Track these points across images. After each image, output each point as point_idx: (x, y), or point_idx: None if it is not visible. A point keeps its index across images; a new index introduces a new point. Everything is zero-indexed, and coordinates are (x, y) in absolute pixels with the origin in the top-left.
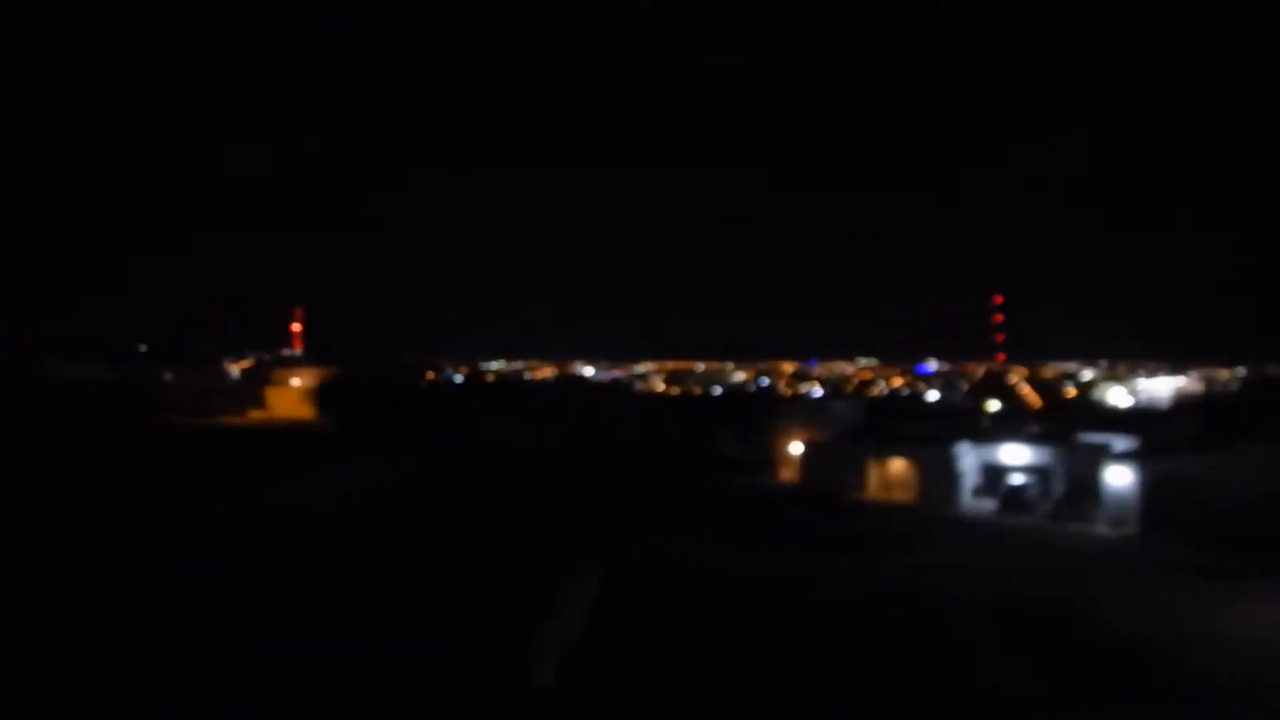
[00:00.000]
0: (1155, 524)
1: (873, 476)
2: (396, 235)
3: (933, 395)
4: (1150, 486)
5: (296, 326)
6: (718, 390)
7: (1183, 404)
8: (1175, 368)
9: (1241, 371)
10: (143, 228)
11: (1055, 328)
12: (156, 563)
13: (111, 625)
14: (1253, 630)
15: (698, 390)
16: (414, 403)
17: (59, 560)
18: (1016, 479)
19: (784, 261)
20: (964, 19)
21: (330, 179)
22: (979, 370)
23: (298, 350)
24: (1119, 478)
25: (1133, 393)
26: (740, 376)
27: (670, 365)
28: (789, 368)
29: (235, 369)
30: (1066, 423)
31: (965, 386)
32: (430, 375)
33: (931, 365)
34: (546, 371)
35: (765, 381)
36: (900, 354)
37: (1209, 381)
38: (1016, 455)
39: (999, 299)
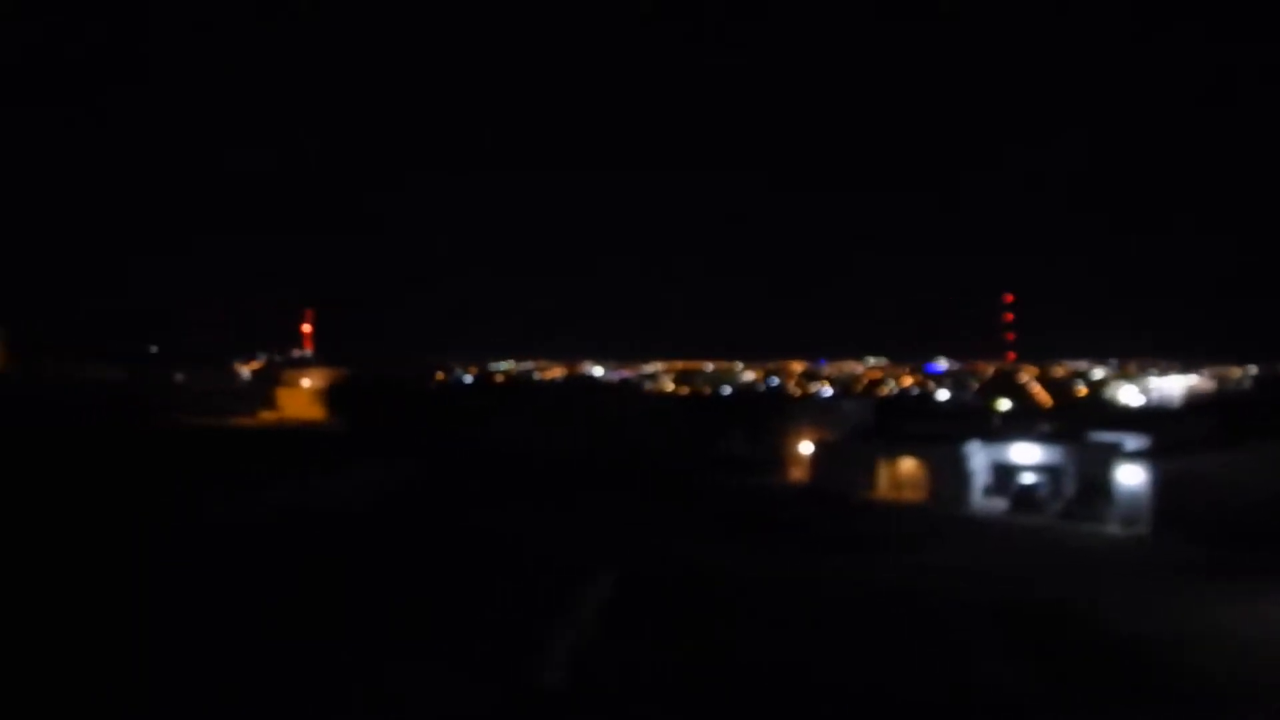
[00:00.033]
0: (1167, 523)
1: (883, 476)
2: (399, 235)
3: (943, 394)
4: (1162, 485)
5: (307, 327)
6: (727, 390)
7: (1195, 402)
8: (1187, 366)
9: (1254, 370)
10: (143, 228)
11: (1065, 327)
12: (167, 563)
13: (122, 625)
14: (1261, 630)
15: (707, 390)
16: (424, 403)
17: (66, 560)
18: (1027, 478)
19: (784, 261)
20: (964, 19)
21: (330, 179)
22: (989, 369)
23: (308, 351)
24: (1131, 477)
25: (1144, 391)
26: (749, 376)
27: (679, 365)
28: (798, 367)
29: (246, 370)
30: (1078, 421)
31: (975, 385)
32: (440, 375)
33: (941, 364)
34: (556, 371)
35: (775, 381)
36: (910, 353)
37: (1221, 380)
38: (1027, 454)
39: (1009, 298)
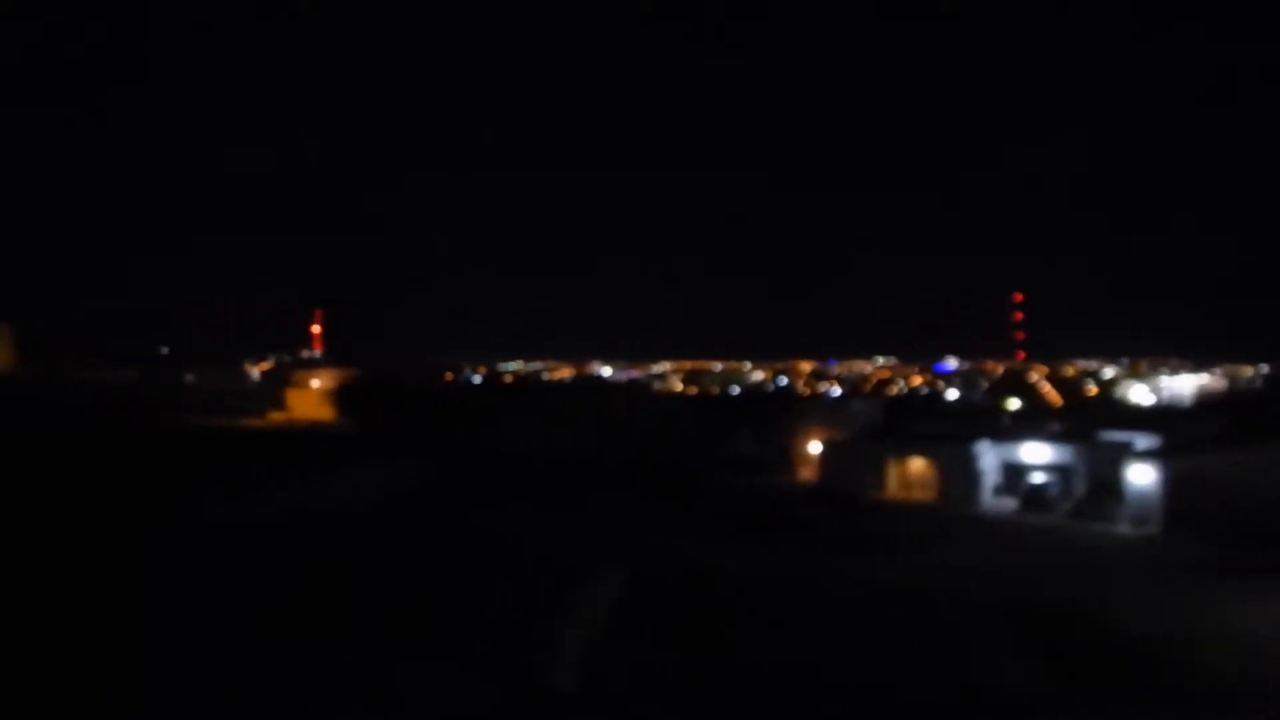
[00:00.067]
0: (1178, 522)
1: (892, 476)
2: (403, 236)
3: (952, 394)
4: (1173, 485)
5: (316, 328)
6: (736, 390)
7: (1206, 401)
8: (1198, 365)
9: (1265, 369)
10: (146, 228)
11: (1076, 326)
12: (176, 562)
13: (132, 624)
14: (1272, 629)
15: (715, 390)
16: (433, 404)
17: (77, 558)
18: (1037, 478)
19: (784, 261)
20: (964, 19)
21: (331, 179)
22: (999, 369)
23: (317, 352)
24: (1141, 476)
25: (1155, 390)
26: (758, 376)
27: (687, 365)
28: (807, 367)
29: (255, 371)
30: (1088, 421)
31: (985, 385)
32: (448, 376)
33: (951, 364)
34: (564, 372)
35: (783, 381)
36: (919, 353)
37: (1232, 379)
38: (1037, 454)
39: (1018, 297)
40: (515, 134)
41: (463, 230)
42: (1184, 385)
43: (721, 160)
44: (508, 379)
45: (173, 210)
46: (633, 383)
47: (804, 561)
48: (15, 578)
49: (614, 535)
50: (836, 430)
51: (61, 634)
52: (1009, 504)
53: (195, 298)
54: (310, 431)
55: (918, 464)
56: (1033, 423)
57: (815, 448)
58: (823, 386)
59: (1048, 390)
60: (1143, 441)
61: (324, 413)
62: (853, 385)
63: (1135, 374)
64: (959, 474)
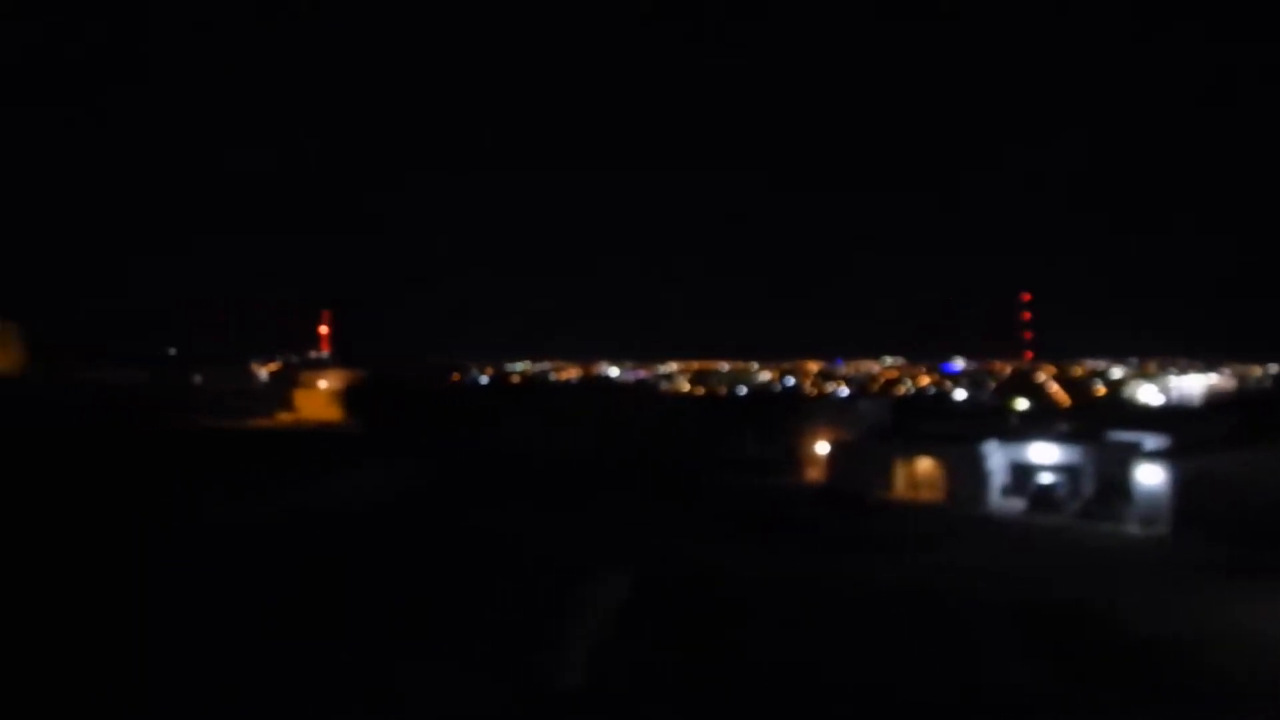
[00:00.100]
0: (1188, 523)
1: (900, 476)
2: (407, 236)
3: (960, 394)
4: (1182, 485)
5: (323, 329)
6: (743, 390)
7: (1215, 401)
8: (1207, 365)
9: (1275, 368)
10: (149, 229)
11: (1084, 326)
12: (184, 563)
13: (137, 624)
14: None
15: (723, 390)
16: (440, 404)
17: (85, 558)
18: (1045, 478)
19: (785, 262)
20: (964, 19)
21: (331, 179)
22: (1006, 369)
23: (325, 353)
24: (1150, 476)
25: (1164, 390)
26: (765, 376)
27: (695, 365)
28: (814, 367)
29: (263, 371)
30: (1096, 421)
31: (993, 385)
32: (455, 376)
33: (958, 364)
34: (571, 372)
35: (790, 381)
36: (927, 353)
37: (1241, 378)
38: (1045, 454)
39: (1026, 297)
40: (515, 134)
41: (464, 230)
42: (1193, 385)
43: (721, 160)
44: (514, 379)
45: (176, 210)
46: (640, 383)
47: (810, 562)
48: (26, 576)
49: (619, 535)
50: (844, 430)
51: (65, 633)
52: (1017, 504)
53: (202, 298)
54: (317, 432)
55: (925, 464)
56: (1041, 423)
57: (822, 448)
58: (830, 387)
59: (1056, 390)
60: (1151, 441)
61: (331, 413)
62: (860, 385)
63: (1144, 374)
64: (966, 474)
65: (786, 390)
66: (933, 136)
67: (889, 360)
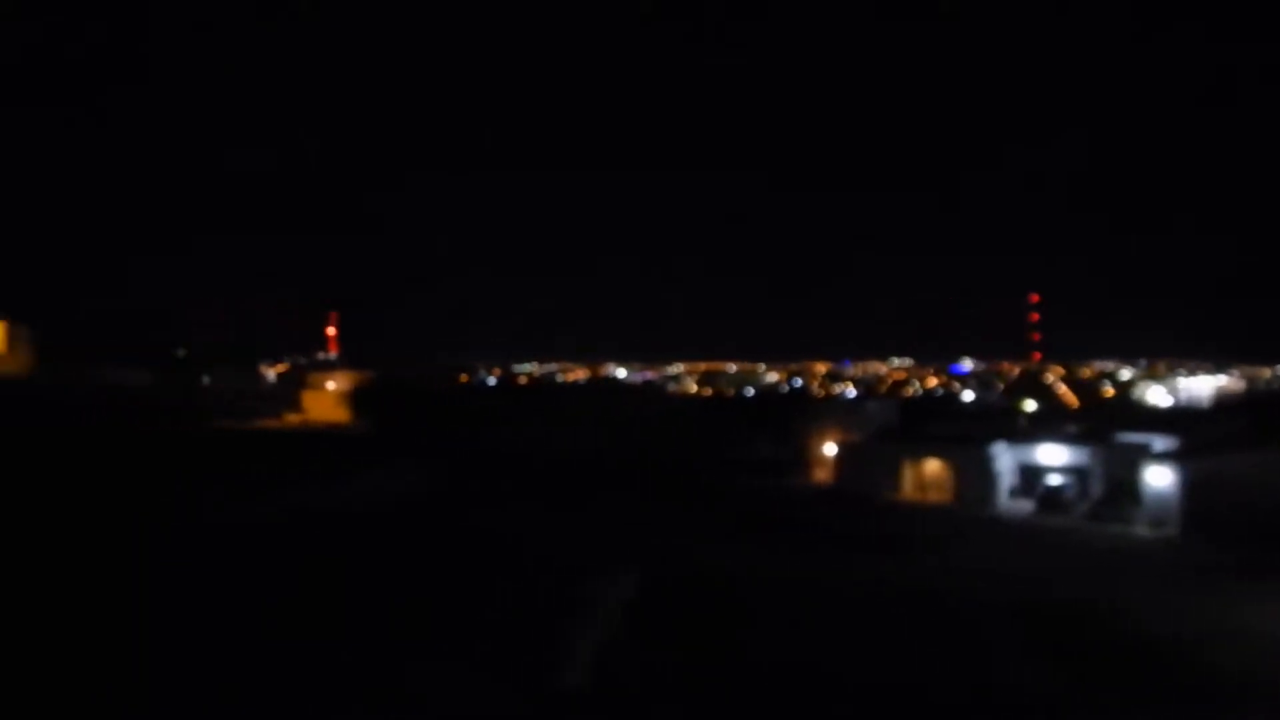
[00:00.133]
0: (1196, 525)
1: (908, 477)
2: (412, 237)
3: (968, 395)
4: (1191, 487)
5: (331, 330)
6: (750, 391)
7: (1224, 403)
8: (1216, 366)
9: None
10: (153, 229)
11: (1093, 327)
12: (196, 564)
13: (145, 624)
14: None
15: (730, 391)
16: (448, 406)
17: (95, 559)
18: (1054, 480)
19: (786, 262)
20: (964, 19)
21: (334, 179)
22: (1015, 370)
23: (332, 354)
24: (1159, 478)
25: (1172, 391)
26: (773, 377)
27: (702, 366)
28: (822, 368)
29: (271, 372)
30: (1105, 422)
31: (1001, 386)
32: (463, 377)
33: (966, 365)
34: (579, 373)
35: (798, 382)
36: (935, 354)
37: (1250, 380)
38: (1054, 455)
39: (1035, 298)
40: (515, 134)
41: (466, 231)
42: (1202, 386)
43: (721, 160)
44: (522, 380)
45: (182, 211)
46: (647, 384)
47: (818, 562)
48: (35, 577)
49: (627, 536)
50: (851, 432)
51: (73, 633)
52: (1025, 506)
53: (209, 300)
54: (326, 433)
55: (933, 465)
56: (1049, 424)
57: (830, 449)
58: (838, 388)
59: (1064, 392)
60: (1160, 443)
61: (339, 414)
62: (868, 386)
63: (1152, 375)
64: (975, 475)
65: (794, 391)
66: (933, 136)
67: (897, 361)
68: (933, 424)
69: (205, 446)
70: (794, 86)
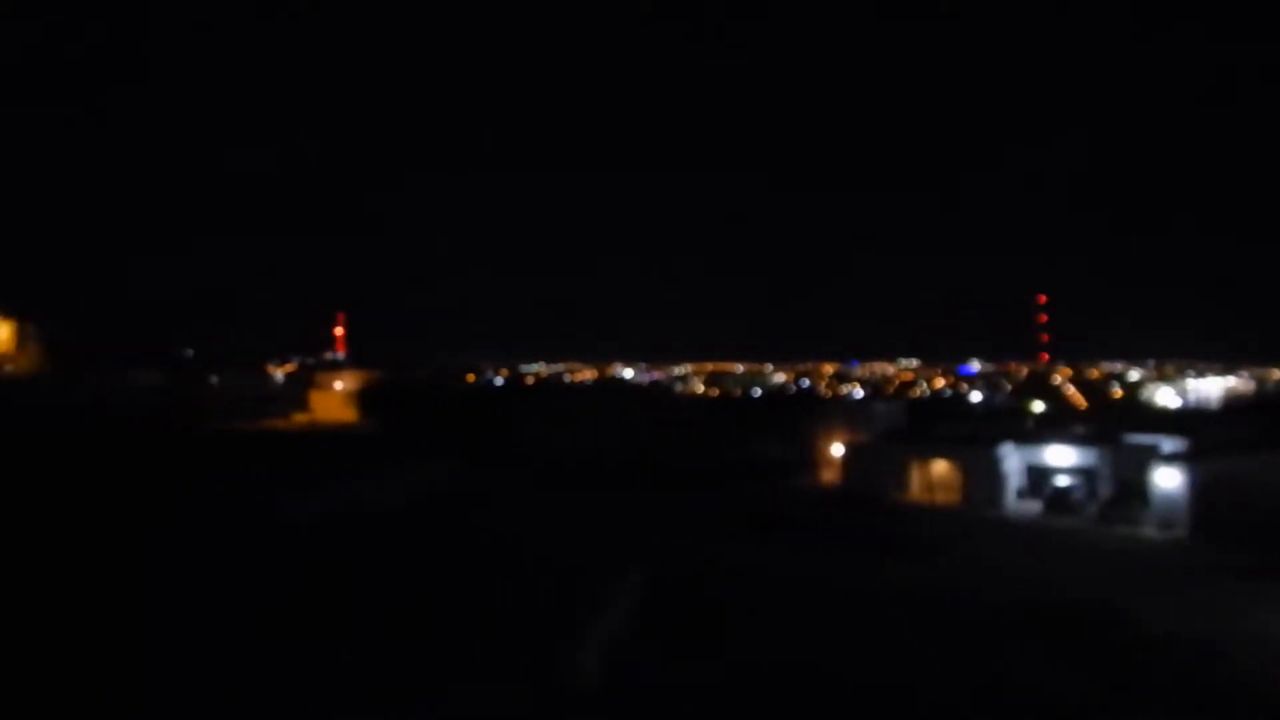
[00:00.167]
0: (1205, 526)
1: (915, 478)
2: (418, 237)
3: (976, 396)
4: (1200, 488)
5: (339, 330)
6: (758, 392)
7: (1233, 404)
8: (1225, 367)
9: None
10: (155, 229)
11: (1101, 328)
12: (210, 561)
13: (160, 623)
14: None
15: (738, 392)
16: (456, 406)
17: (115, 560)
18: (1062, 481)
19: (785, 262)
20: (964, 19)
21: (338, 180)
22: (1023, 371)
23: (340, 354)
24: (1167, 479)
25: (1181, 393)
26: (780, 378)
27: (709, 367)
28: (829, 369)
29: (279, 372)
30: (1113, 423)
31: (1009, 387)
32: (470, 377)
33: (974, 366)
34: (587, 374)
35: (806, 383)
36: (943, 354)
37: (1260, 381)
38: (1062, 457)
39: (1042, 299)
40: (515, 134)
41: (466, 231)
42: (1211, 388)
43: (721, 160)
44: (529, 381)
45: (181, 211)
46: (654, 385)
47: (826, 563)
48: (53, 576)
49: (634, 536)
50: (859, 432)
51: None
52: (1033, 507)
53: (217, 300)
54: (334, 434)
55: (941, 466)
56: (1057, 425)
57: (838, 450)
58: (845, 389)
59: (1072, 393)
60: (1169, 444)
61: (347, 414)
62: (875, 387)
63: (1161, 376)
64: (983, 476)
65: (801, 392)
66: (933, 136)
67: (904, 362)
68: (940, 425)
69: (225, 447)
70: (794, 86)
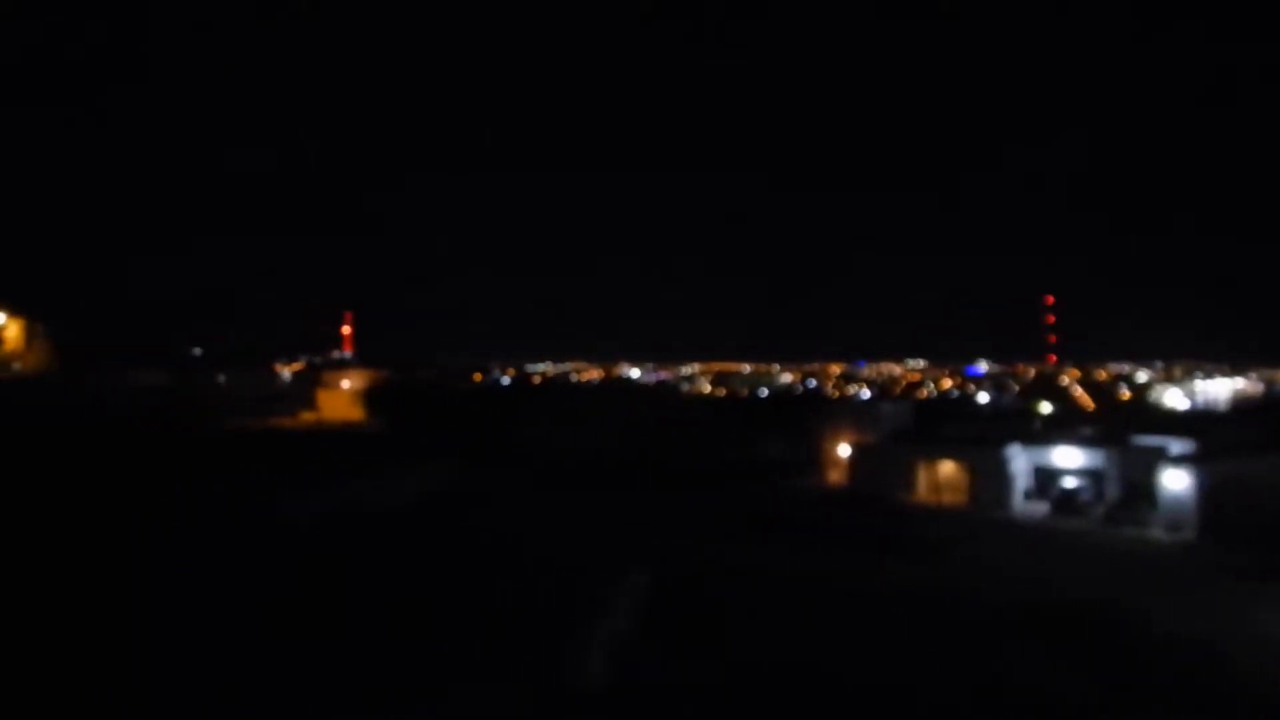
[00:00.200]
0: (1213, 528)
1: (922, 479)
2: (422, 237)
3: (983, 397)
4: (1208, 490)
5: (346, 329)
6: (764, 392)
7: (1241, 406)
8: (1234, 369)
9: None
10: (144, 228)
11: (1109, 329)
12: (210, 561)
13: (165, 622)
14: None
15: (744, 392)
16: (463, 405)
17: (126, 559)
18: (1069, 482)
19: (784, 261)
20: (964, 19)
21: (341, 180)
22: (1030, 372)
23: (347, 353)
24: (1175, 481)
25: (1189, 394)
26: (787, 378)
27: (716, 367)
28: (836, 369)
29: (286, 371)
30: (1121, 425)
31: (1016, 388)
32: (477, 377)
33: (981, 367)
34: (593, 374)
35: (812, 383)
36: (950, 355)
37: (1268, 383)
38: (1069, 458)
39: (1050, 300)
40: (515, 134)
41: (466, 231)
42: (1219, 389)
43: (721, 160)
44: (536, 380)
45: (181, 211)
46: (661, 385)
47: (827, 563)
48: (63, 575)
49: (640, 536)
50: (866, 433)
51: (98, 631)
52: (1040, 508)
53: (224, 299)
54: (341, 432)
55: (948, 467)
56: (1064, 426)
57: (844, 450)
58: (852, 389)
59: (1080, 394)
60: (1177, 446)
61: (354, 413)
62: (882, 388)
63: (1169, 378)
64: (990, 477)
65: (808, 392)
66: (933, 136)
67: (912, 363)
68: (947, 426)
69: (229, 446)
70: (794, 86)
